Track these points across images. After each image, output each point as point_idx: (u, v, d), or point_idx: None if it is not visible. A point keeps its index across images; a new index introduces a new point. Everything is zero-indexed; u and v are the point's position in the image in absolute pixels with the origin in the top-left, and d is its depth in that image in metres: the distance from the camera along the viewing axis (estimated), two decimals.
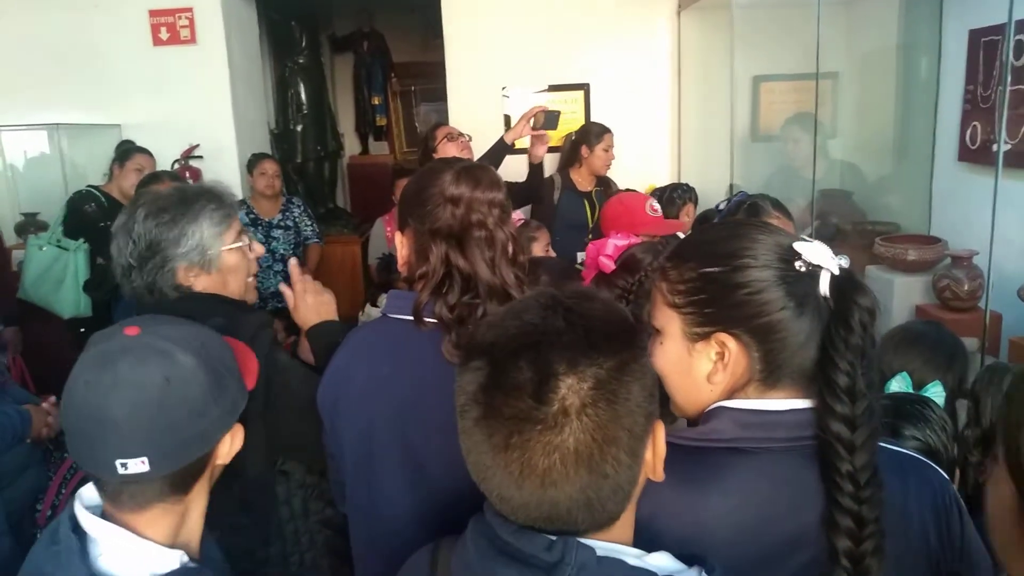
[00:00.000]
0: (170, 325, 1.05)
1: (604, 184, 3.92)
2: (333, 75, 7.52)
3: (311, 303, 1.62)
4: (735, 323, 0.88)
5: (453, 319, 1.17)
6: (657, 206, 2.93)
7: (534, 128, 3.32)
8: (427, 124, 3.77)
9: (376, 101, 7.53)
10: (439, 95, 5.01)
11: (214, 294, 1.61)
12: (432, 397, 1.14)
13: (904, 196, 4.30)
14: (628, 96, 4.64)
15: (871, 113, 4.60)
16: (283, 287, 1.66)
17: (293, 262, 1.71)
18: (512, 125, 3.42)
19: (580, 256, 3.05)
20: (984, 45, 3.66)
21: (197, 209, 1.60)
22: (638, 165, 4.51)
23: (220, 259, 1.62)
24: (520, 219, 3.21)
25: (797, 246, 0.88)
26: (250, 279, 1.71)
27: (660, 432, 0.77)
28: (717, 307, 0.89)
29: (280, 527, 1.43)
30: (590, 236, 3.68)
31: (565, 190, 3.83)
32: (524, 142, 3.39)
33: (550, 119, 3.30)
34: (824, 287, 0.86)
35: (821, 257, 0.87)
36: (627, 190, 3.44)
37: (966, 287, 3.25)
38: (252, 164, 4.35)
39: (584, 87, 4.65)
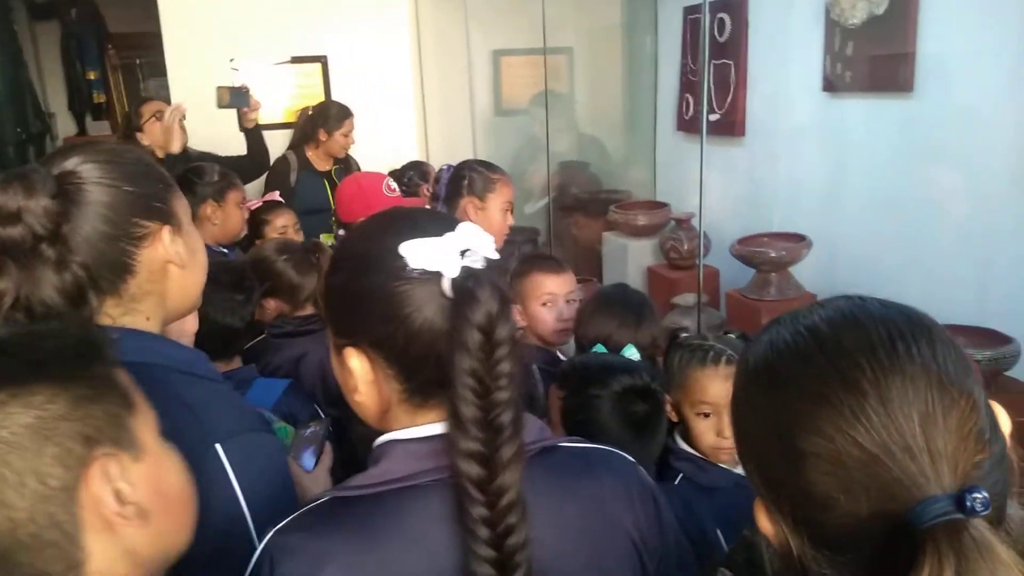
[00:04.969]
0: None
1: (344, 162, 3.75)
2: (36, 47, 6.58)
3: None
4: (354, 335, 0.80)
5: None
6: (394, 185, 2.85)
7: (219, 106, 3.15)
8: None
9: (92, 76, 6.71)
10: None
11: None
12: None
13: (633, 165, 4.60)
14: (368, 70, 4.48)
15: (602, 87, 4.85)
16: None
17: None
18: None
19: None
20: (692, 23, 3.97)
21: None
22: (382, 142, 4.39)
23: None
24: (255, 204, 2.98)
25: (403, 247, 0.75)
26: None
27: None
28: (340, 317, 0.82)
29: None
30: (334, 219, 3.53)
31: (303, 170, 3.62)
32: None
33: (237, 96, 3.09)
34: (450, 293, 0.74)
35: (432, 258, 0.74)
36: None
37: (686, 247, 3.52)
38: None
39: (322, 59, 4.42)
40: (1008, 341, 2.21)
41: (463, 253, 0.74)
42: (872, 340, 0.57)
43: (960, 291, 2.54)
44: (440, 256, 0.74)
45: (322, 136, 3.61)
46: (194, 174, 2.36)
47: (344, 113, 3.67)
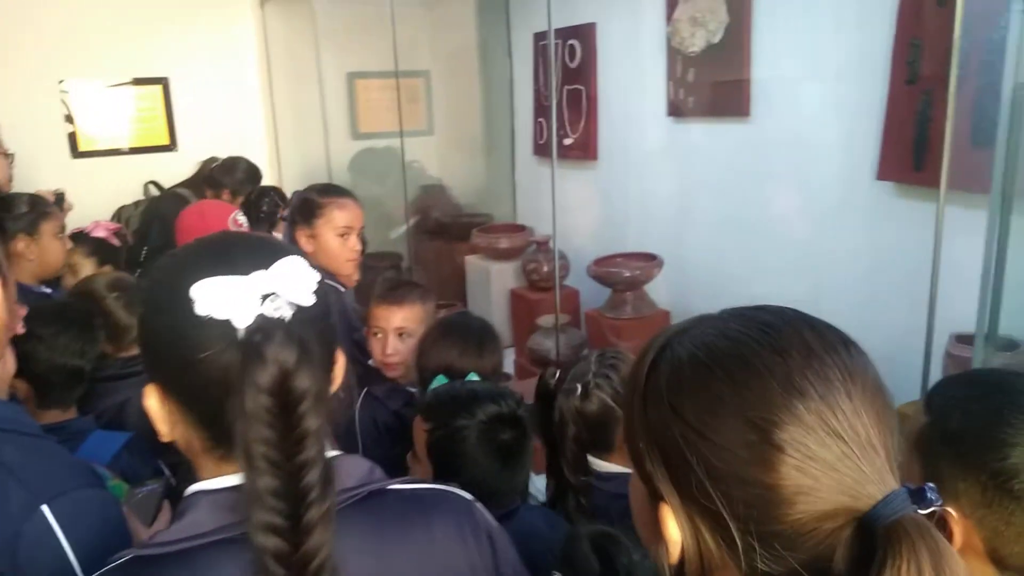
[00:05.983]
0: None
1: None
2: None
3: None
4: (152, 374, 0.72)
5: None
6: (242, 219, 2.71)
7: None
8: None
9: None
10: None
11: None
12: None
13: (493, 188, 4.63)
14: (213, 93, 4.29)
15: (461, 110, 4.86)
16: None
17: None
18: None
19: None
20: (543, 48, 4.04)
21: None
22: None
23: None
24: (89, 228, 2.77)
25: (194, 289, 0.66)
26: None
27: None
28: (142, 354, 0.74)
29: None
30: None
31: None
32: None
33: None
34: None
35: (223, 304, 0.65)
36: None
37: (546, 269, 3.57)
38: None
39: (163, 81, 4.19)
40: None
41: (264, 298, 0.66)
42: (832, 342, 0.59)
43: (795, 301, 2.68)
44: (234, 301, 0.66)
45: (226, 196, 3.46)
46: (0, 207, 2.12)
47: (255, 178, 3.58)
